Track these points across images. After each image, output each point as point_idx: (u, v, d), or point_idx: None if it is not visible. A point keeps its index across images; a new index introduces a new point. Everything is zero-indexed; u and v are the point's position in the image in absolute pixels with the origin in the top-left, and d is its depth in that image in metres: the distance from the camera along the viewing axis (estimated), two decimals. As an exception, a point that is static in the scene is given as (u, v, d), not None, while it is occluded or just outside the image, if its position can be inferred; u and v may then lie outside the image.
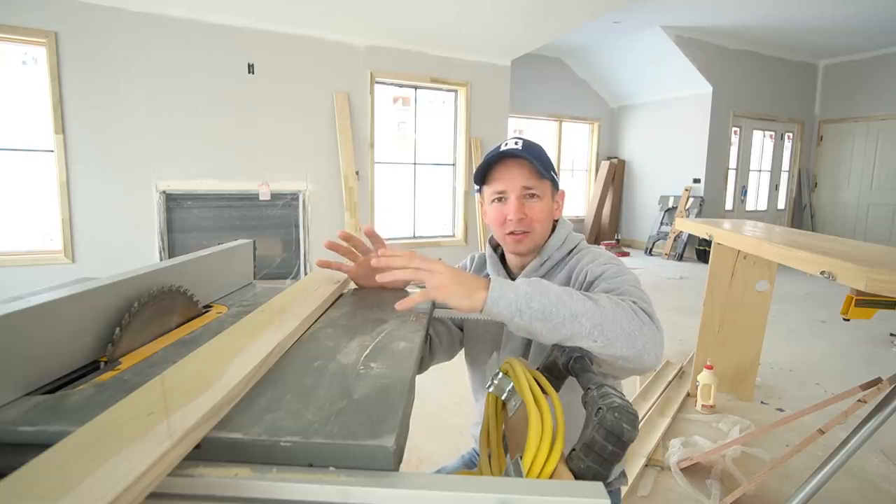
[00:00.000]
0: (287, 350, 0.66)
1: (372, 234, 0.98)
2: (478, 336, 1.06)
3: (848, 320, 1.32)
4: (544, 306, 0.67)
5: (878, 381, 1.45)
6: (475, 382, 1.09)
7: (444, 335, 1.07)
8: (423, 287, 0.73)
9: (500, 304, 0.67)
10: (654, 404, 2.37)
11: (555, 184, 0.99)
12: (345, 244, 0.99)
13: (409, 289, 1.00)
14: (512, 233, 0.96)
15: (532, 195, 0.95)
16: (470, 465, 1.14)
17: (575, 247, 1.00)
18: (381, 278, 0.73)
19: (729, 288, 2.47)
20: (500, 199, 0.97)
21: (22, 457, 0.37)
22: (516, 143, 0.95)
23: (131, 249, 4.08)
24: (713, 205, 6.92)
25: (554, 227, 1.02)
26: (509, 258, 1.05)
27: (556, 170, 1.02)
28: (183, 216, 4.28)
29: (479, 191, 1.03)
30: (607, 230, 8.05)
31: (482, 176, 0.99)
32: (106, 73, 3.89)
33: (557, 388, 0.66)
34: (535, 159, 0.92)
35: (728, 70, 6.67)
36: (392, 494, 0.40)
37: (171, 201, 4.23)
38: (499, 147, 0.97)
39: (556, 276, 0.97)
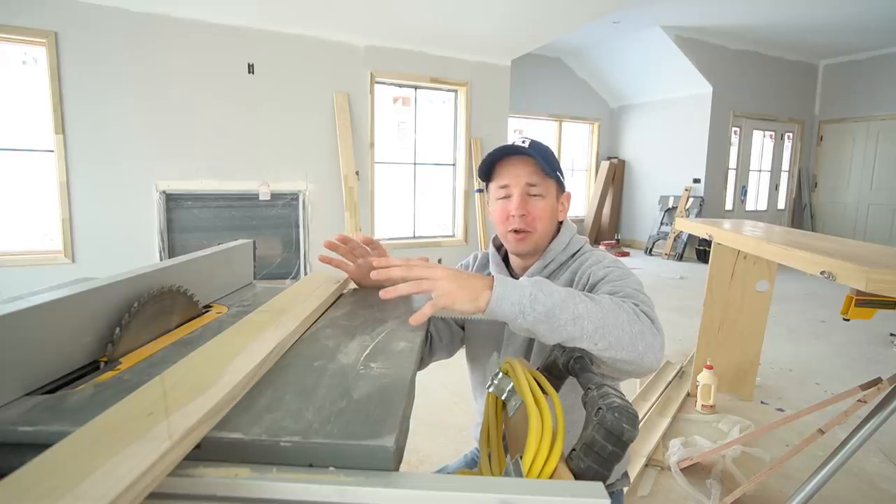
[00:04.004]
0: (287, 350, 0.66)
1: (370, 242, 0.99)
2: (479, 335, 1.06)
3: (848, 320, 1.32)
4: (548, 308, 0.66)
5: (878, 381, 1.45)
6: (475, 382, 1.08)
7: (444, 333, 1.07)
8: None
9: (503, 305, 0.67)
10: (654, 404, 2.37)
11: (560, 185, 0.99)
12: (343, 246, 0.99)
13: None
14: (514, 231, 0.96)
15: (536, 193, 0.95)
16: (472, 465, 1.14)
17: (578, 250, 1.00)
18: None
19: (729, 288, 2.47)
20: (504, 196, 0.97)
21: (22, 457, 0.37)
22: (524, 142, 0.95)
23: (131, 249, 4.08)
24: (713, 205, 6.92)
25: (559, 230, 1.02)
26: (512, 259, 1.05)
27: (563, 172, 1.02)
28: (183, 216, 4.28)
29: (485, 189, 1.04)
30: (607, 230, 8.05)
31: (488, 172, 1.00)
32: (106, 73, 3.88)
33: (557, 388, 0.66)
34: (540, 158, 0.93)
35: (728, 70, 6.67)
36: (392, 494, 0.40)
37: (171, 201, 4.22)
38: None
39: (559, 278, 0.96)
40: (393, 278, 0.71)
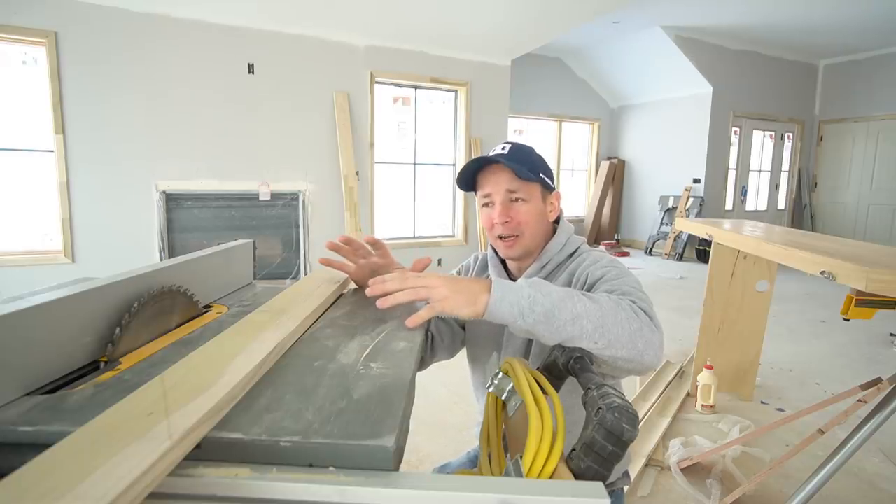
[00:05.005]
0: (287, 350, 0.66)
1: (374, 242, 0.99)
2: (479, 336, 1.06)
3: (848, 320, 1.32)
4: (547, 309, 0.66)
5: (878, 381, 1.45)
6: (477, 382, 1.09)
7: (445, 334, 1.07)
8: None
9: (502, 308, 0.67)
10: (654, 404, 2.37)
11: (546, 185, 0.99)
12: (346, 247, 0.99)
13: None
14: (501, 237, 0.97)
15: (517, 198, 0.95)
16: (475, 462, 1.14)
17: (576, 250, 1.00)
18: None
19: (729, 288, 2.47)
20: (487, 204, 0.98)
21: (22, 457, 0.37)
22: (503, 149, 0.96)
23: (131, 249, 4.08)
24: (713, 205, 6.92)
25: (555, 231, 1.02)
26: (509, 262, 1.05)
27: (552, 171, 1.02)
28: (183, 216, 4.28)
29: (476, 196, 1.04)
30: (607, 230, 8.05)
31: (467, 183, 1.01)
32: (106, 73, 3.88)
33: (557, 388, 0.66)
34: (516, 163, 0.93)
35: (728, 70, 6.67)
36: (392, 494, 0.40)
37: (171, 201, 4.22)
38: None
39: (557, 279, 0.96)
40: (388, 292, 0.71)
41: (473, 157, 5.51)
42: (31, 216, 3.98)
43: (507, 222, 0.95)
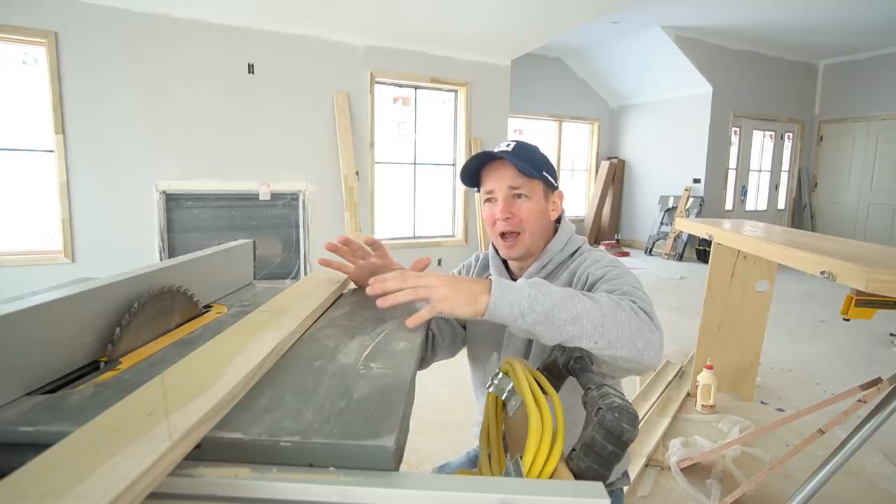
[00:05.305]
0: (287, 350, 0.66)
1: (372, 243, 0.99)
2: (480, 335, 1.06)
3: (848, 320, 1.32)
4: (547, 309, 0.66)
5: (878, 381, 1.45)
6: (477, 382, 1.09)
7: (446, 333, 1.07)
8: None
9: (502, 308, 0.67)
10: (654, 404, 2.37)
11: (548, 184, 0.99)
12: (344, 248, 0.99)
13: None
14: (503, 235, 0.97)
15: (519, 195, 0.95)
16: (474, 462, 1.14)
17: (577, 250, 1.00)
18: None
19: (729, 288, 2.47)
20: (489, 200, 0.98)
21: (22, 457, 0.37)
22: (507, 146, 0.96)
23: (131, 249, 4.08)
24: (713, 205, 6.91)
25: (556, 230, 1.02)
26: (510, 261, 1.05)
27: (555, 171, 1.02)
28: (183, 216, 4.28)
29: (479, 192, 1.04)
30: (607, 230, 8.05)
31: (471, 179, 1.01)
32: (106, 73, 3.88)
33: (557, 388, 0.66)
34: (520, 160, 0.93)
35: (728, 70, 6.67)
36: (392, 494, 0.40)
37: (171, 201, 4.22)
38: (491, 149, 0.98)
39: (558, 278, 0.97)
40: (389, 291, 0.71)
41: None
42: (31, 216, 3.98)
43: (508, 218, 0.95)
